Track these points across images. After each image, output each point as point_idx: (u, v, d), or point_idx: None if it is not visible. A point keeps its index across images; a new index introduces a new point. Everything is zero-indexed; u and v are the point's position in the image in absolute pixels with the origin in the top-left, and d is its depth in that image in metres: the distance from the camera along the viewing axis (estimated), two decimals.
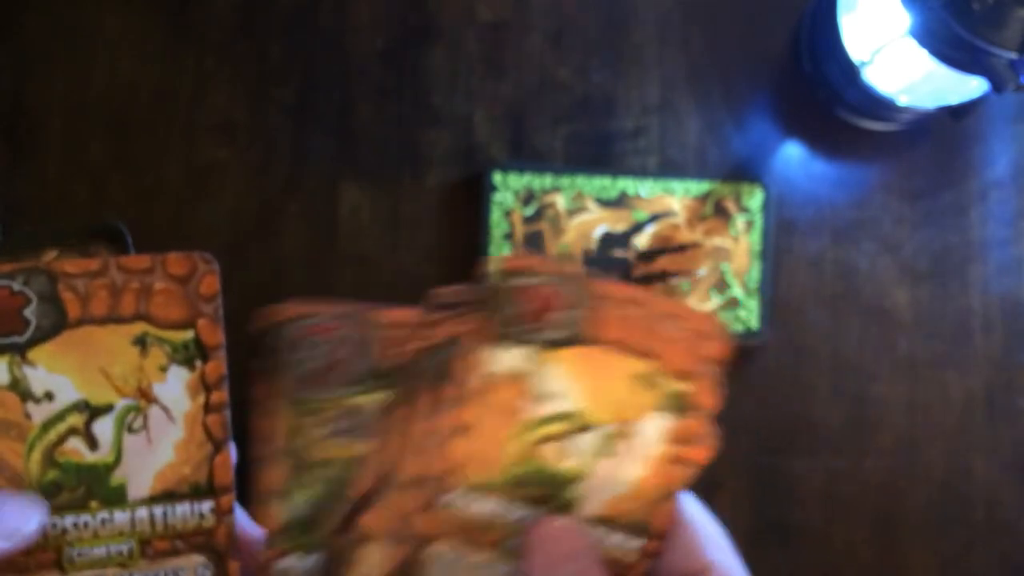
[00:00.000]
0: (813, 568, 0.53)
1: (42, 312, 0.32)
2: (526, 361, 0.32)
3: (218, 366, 0.32)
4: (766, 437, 0.53)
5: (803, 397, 0.53)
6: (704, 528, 0.34)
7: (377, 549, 0.31)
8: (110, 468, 0.32)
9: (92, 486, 0.31)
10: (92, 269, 0.32)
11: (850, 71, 0.50)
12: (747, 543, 0.53)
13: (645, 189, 0.52)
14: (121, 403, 0.32)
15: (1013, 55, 0.40)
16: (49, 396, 0.32)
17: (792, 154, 0.54)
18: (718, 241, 0.52)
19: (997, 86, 0.41)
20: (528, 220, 0.52)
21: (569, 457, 0.32)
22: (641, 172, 0.52)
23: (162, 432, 0.32)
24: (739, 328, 0.52)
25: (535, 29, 0.54)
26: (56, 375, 0.32)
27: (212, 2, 0.53)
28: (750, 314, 0.52)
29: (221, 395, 0.33)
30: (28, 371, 0.32)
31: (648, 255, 0.52)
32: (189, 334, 0.33)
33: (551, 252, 0.52)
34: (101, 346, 0.32)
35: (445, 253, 0.53)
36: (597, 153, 0.53)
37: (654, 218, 0.52)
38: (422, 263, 0.53)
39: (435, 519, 0.31)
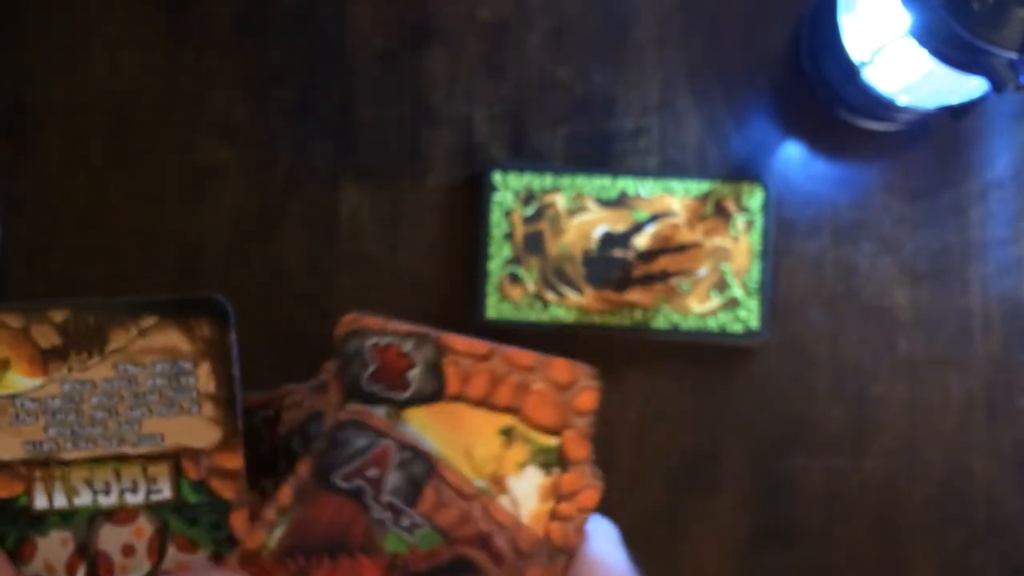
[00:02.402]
0: (813, 568, 0.53)
1: (424, 378, 0.33)
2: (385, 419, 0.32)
3: (575, 480, 0.33)
4: (766, 437, 0.53)
5: (803, 397, 0.53)
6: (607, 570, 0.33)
7: None
8: None
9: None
10: (478, 352, 0.33)
11: (850, 71, 0.50)
12: (747, 543, 0.53)
13: (645, 189, 0.52)
14: (475, 483, 0.33)
15: (1013, 55, 0.40)
16: None
17: (792, 154, 0.54)
18: (718, 241, 0.52)
19: (997, 86, 0.41)
20: (528, 220, 0.52)
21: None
22: (641, 172, 0.52)
23: None
24: (739, 328, 0.52)
25: (535, 29, 0.54)
26: (424, 437, 0.33)
27: (212, 2, 0.53)
28: (750, 314, 0.52)
29: (570, 508, 0.33)
30: (399, 426, 0.33)
31: (648, 255, 0.52)
32: (555, 441, 0.33)
33: (551, 252, 0.52)
34: (470, 426, 0.33)
35: (445, 253, 0.53)
36: (597, 153, 0.53)
37: (654, 218, 0.52)
38: (422, 263, 0.53)
39: None
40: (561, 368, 0.33)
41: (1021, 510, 0.53)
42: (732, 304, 0.52)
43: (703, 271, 0.52)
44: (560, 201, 0.52)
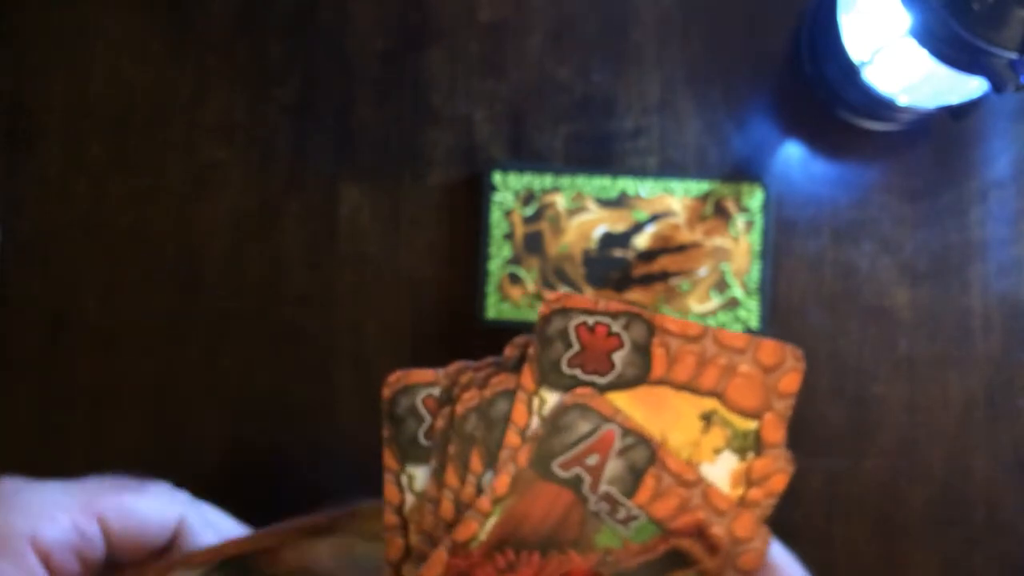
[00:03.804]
0: (813, 568, 0.53)
1: (629, 360, 0.31)
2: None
3: (768, 465, 0.32)
4: None
5: (803, 397, 0.53)
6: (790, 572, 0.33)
7: None
8: None
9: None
10: (691, 333, 0.31)
11: (850, 71, 0.50)
12: None
13: (645, 189, 0.52)
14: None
15: (1013, 55, 0.40)
16: None
17: (792, 154, 0.54)
18: (718, 241, 0.52)
19: (997, 86, 0.41)
20: (528, 220, 0.52)
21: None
22: (641, 172, 0.52)
23: None
24: (739, 328, 0.52)
25: (535, 29, 0.54)
26: None
27: (212, 2, 0.53)
28: (750, 314, 0.52)
29: (759, 494, 0.32)
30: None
31: (648, 255, 0.52)
32: (753, 424, 0.32)
33: (551, 252, 0.52)
34: (670, 411, 0.31)
35: (445, 253, 0.53)
36: (597, 153, 0.53)
37: (654, 218, 0.52)
38: (422, 263, 0.53)
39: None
40: (769, 349, 0.32)
41: (1021, 510, 0.53)
42: (732, 304, 0.52)
43: (703, 271, 0.52)
44: (560, 201, 0.52)
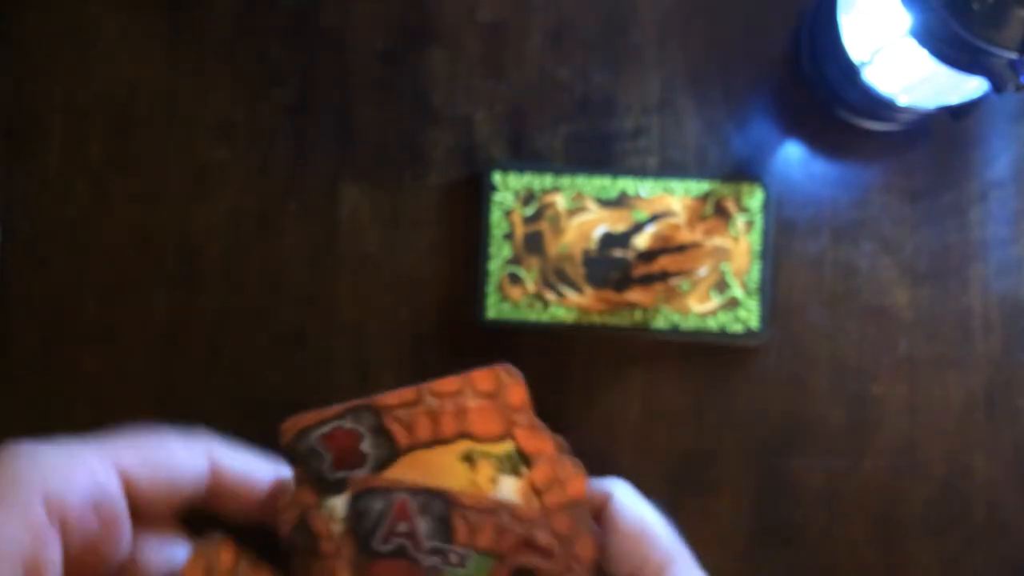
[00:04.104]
0: (814, 568, 0.53)
1: (376, 444, 0.34)
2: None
3: (548, 471, 0.34)
4: (766, 437, 0.53)
5: (803, 397, 0.53)
6: (637, 526, 0.34)
7: None
8: None
9: None
10: (409, 400, 0.34)
11: (850, 71, 0.50)
12: (747, 543, 0.53)
13: (645, 189, 0.52)
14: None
15: (1013, 55, 0.40)
16: None
17: (792, 154, 0.54)
18: (718, 241, 0.52)
19: (997, 86, 0.41)
20: (528, 220, 0.52)
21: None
22: (641, 172, 0.52)
23: None
24: (739, 328, 0.52)
25: (535, 29, 0.54)
26: None
27: (212, 2, 0.53)
28: (750, 314, 0.52)
29: (557, 498, 0.34)
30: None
31: (648, 255, 0.52)
32: (509, 445, 0.34)
33: (551, 252, 0.52)
34: (434, 467, 0.33)
35: (445, 253, 0.53)
36: (597, 153, 0.53)
37: (654, 218, 0.52)
38: (422, 263, 0.53)
39: None
40: (482, 378, 0.35)
41: (1021, 510, 0.53)
42: (732, 304, 0.52)
43: (703, 271, 0.52)
44: (560, 201, 0.52)
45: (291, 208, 0.53)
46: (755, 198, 0.52)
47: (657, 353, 0.53)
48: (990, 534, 0.53)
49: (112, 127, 0.53)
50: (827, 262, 0.53)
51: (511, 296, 0.52)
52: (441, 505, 0.32)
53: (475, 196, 0.52)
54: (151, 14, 0.53)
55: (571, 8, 0.54)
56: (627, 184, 0.52)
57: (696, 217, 0.52)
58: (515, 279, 0.52)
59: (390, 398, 0.34)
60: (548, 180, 0.52)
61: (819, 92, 0.53)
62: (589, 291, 0.52)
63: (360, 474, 0.33)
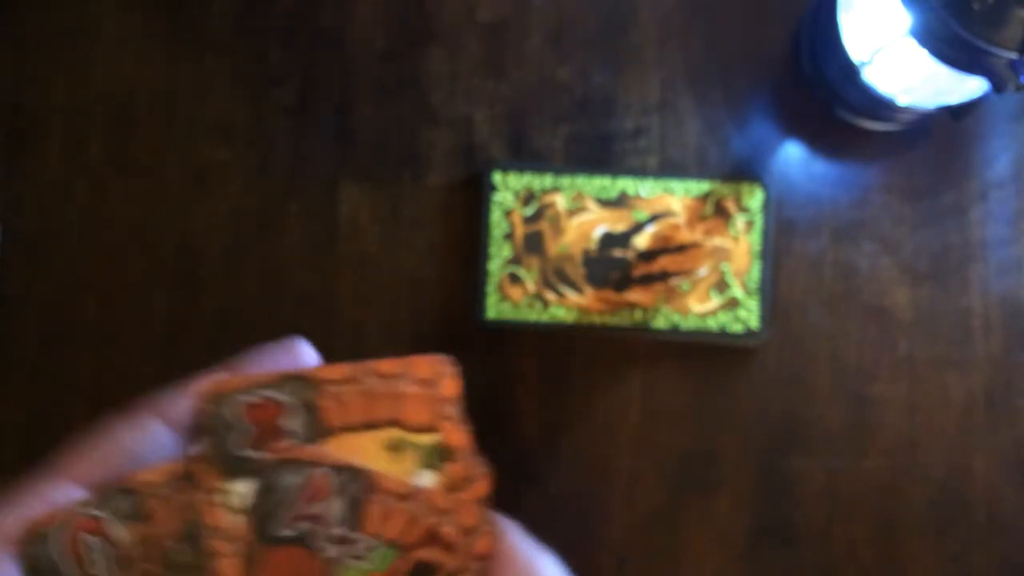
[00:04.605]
0: (813, 568, 0.53)
1: (301, 421, 0.32)
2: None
3: (460, 470, 0.33)
4: (766, 437, 0.53)
5: (803, 397, 0.53)
6: (530, 560, 0.33)
7: None
8: None
9: None
10: (348, 376, 0.32)
11: (850, 71, 0.50)
12: (747, 543, 0.53)
13: (645, 189, 0.52)
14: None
15: (1013, 55, 0.40)
16: None
17: (792, 154, 0.54)
18: (718, 241, 0.52)
19: (997, 86, 0.41)
20: (528, 220, 0.52)
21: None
22: (641, 172, 0.52)
23: None
24: (739, 328, 0.52)
25: (535, 29, 0.54)
26: None
27: (212, 2, 0.53)
28: (750, 314, 0.52)
29: (465, 495, 0.33)
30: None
31: (648, 255, 0.52)
32: (435, 437, 0.33)
33: (551, 252, 0.52)
34: (357, 454, 0.32)
35: (445, 253, 0.53)
36: (597, 153, 0.53)
37: (654, 218, 0.52)
38: (422, 263, 0.53)
39: None
40: (422, 364, 0.33)
41: (1021, 510, 0.53)
42: (732, 304, 0.52)
43: (703, 271, 0.52)
44: (560, 201, 0.52)
45: (291, 208, 0.53)
46: (755, 198, 0.52)
47: (657, 353, 0.53)
48: (990, 534, 0.53)
49: (112, 127, 0.53)
50: (827, 262, 0.53)
51: (511, 296, 0.52)
52: (359, 487, 0.31)
53: (475, 196, 0.52)
54: (151, 14, 0.53)
55: (571, 8, 0.54)
56: (627, 184, 0.52)
57: (696, 217, 0.52)
58: (515, 279, 0.52)
59: (329, 371, 0.32)
60: (548, 180, 0.52)
61: (819, 92, 0.53)
62: (589, 291, 0.52)
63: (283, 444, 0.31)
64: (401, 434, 0.32)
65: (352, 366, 0.32)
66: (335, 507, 0.31)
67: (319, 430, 0.32)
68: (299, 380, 0.32)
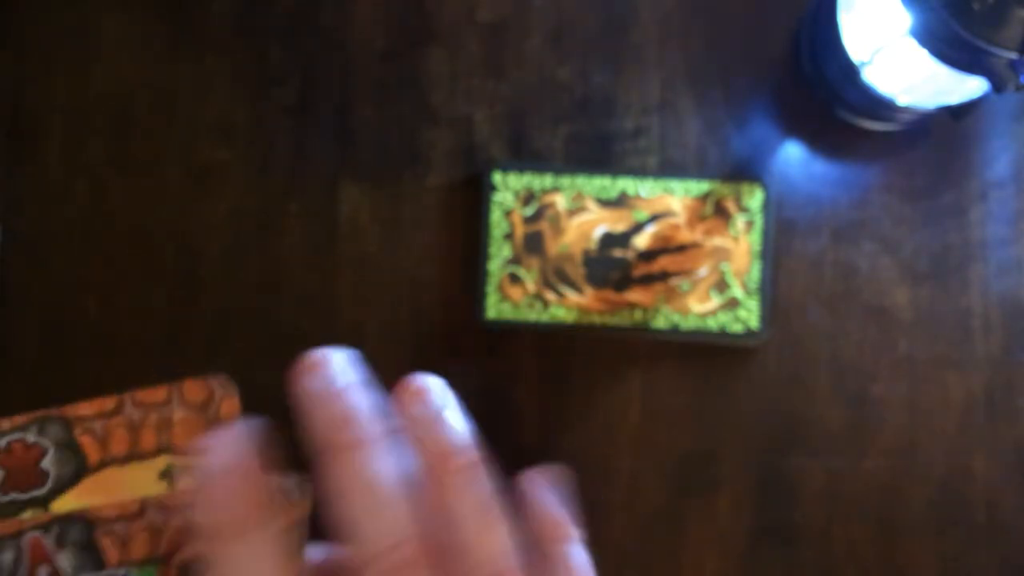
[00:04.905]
0: (814, 568, 0.53)
1: (60, 460, 0.31)
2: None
3: (202, 388, 0.31)
4: (766, 437, 0.53)
5: (803, 397, 0.53)
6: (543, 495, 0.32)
7: None
8: None
9: None
10: (108, 409, 0.31)
11: (850, 71, 0.50)
12: (747, 543, 0.53)
13: (645, 189, 0.52)
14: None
15: (1013, 55, 0.40)
16: None
17: (792, 154, 0.54)
18: (718, 241, 0.52)
19: (997, 86, 0.41)
20: (528, 220, 0.52)
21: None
22: (641, 172, 0.52)
23: None
24: (739, 328, 0.52)
25: (535, 29, 0.54)
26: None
27: (212, 2, 0.53)
28: (750, 314, 0.52)
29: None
30: (34, 515, 0.30)
31: (648, 255, 0.52)
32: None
33: (551, 252, 0.52)
34: (126, 487, 0.31)
35: (445, 253, 0.53)
36: (597, 153, 0.53)
37: (654, 218, 0.52)
38: (422, 263, 0.53)
39: None
40: (193, 388, 0.32)
41: (1021, 510, 0.53)
42: (732, 304, 0.52)
43: (703, 271, 0.52)
44: (560, 201, 0.52)
45: (291, 208, 0.53)
46: (755, 198, 0.52)
47: (657, 353, 0.53)
48: (990, 534, 0.53)
49: (112, 127, 0.53)
50: (827, 262, 0.53)
51: (511, 296, 0.52)
52: (81, 529, 0.29)
53: (475, 196, 0.52)
54: (151, 14, 0.53)
55: (571, 8, 0.54)
56: (627, 184, 0.52)
57: (696, 217, 0.52)
58: (515, 279, 0.52)
59: (85, 408, 0.30)
60: (548, 180, 0.52)
61: (819, 92, 0.53)
62: (589, 291, 0.52)
63: (37, 494, 0.29)
64: (174, 461, 0.31)
65: (112, 399, 0.31)
66: (65, 560, 0.29)
67: (83, 467, 0.30)
68: (52, 420, 0.31)
